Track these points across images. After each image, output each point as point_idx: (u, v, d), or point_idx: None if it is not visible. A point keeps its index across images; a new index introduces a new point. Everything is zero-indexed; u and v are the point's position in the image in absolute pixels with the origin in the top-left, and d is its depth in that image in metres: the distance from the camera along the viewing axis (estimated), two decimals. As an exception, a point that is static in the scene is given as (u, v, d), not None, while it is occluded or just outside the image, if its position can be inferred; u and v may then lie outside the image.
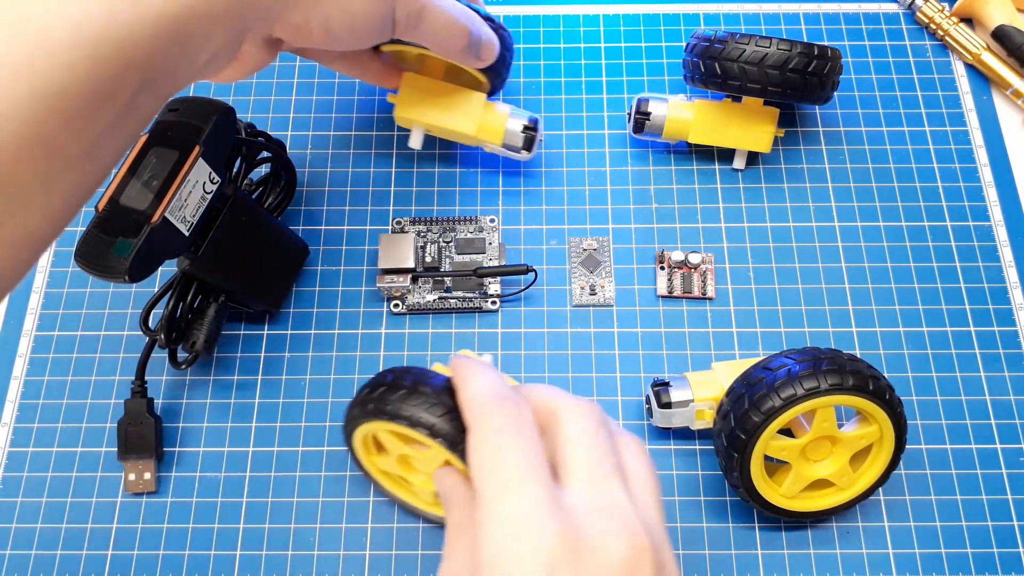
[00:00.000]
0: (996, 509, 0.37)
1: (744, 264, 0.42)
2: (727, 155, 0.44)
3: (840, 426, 0.34)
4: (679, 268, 0.42)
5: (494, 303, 0.41)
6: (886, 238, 0.43)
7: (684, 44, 0.48)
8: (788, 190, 0.44)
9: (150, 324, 0.37)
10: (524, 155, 0.41)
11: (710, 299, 0.41)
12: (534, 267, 0.41)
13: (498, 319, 0.41)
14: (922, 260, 0.42)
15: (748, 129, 0.42)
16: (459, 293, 0.41)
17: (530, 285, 0.41)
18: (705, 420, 0.36)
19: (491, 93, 0.41)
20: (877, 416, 0.32)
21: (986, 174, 0.44)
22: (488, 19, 0.37)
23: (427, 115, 0.40)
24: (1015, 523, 0.37)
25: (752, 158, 0.44)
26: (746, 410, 0.32)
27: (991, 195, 0.44)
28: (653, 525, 0.24)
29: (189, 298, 0.37)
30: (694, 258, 0.42)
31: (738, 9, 0.49)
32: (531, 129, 0.40)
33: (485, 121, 0.40)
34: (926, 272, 0.42)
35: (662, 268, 0.42)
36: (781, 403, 0.31)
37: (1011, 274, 0.42)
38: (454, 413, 0.28)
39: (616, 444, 0.26)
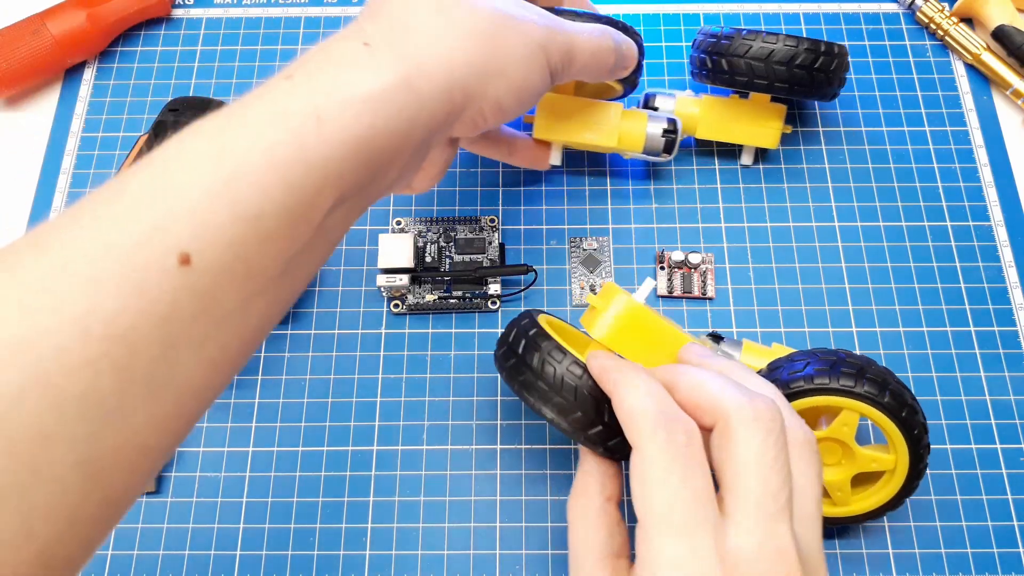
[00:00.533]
0: (996, 509, 0.37)
1: (744, 264, 0.42)
2: (727, 154, 0.44)
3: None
4: (679, 268, 0.42)
5: (494, 303, 0.41)
6: (886, 238, 0.43)
7: (685, 43, 0.48)
8: (788, 190, 0.44)
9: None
10: (665, 157, 0.41)
11: (710, 299, 0.41)
12: (534, 267, 0.41)
13: (498, 319, 0.41)
14: (922, 260, 0.42)
15: (755, 125, 0.42)
16: (459, 293, 0.41)
17: (530, 285, 0.41)
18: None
19: (624, 96, 0.41)
20: (898, 447, 0.32)
21: (986, 174, 0.44)
22: (612, 22, 0.36)
23: (567, 133, 0.39)
24: (1015, 523, 0.37)
25: (753, 157, 0.44)
26: (776, 381, 0.32)
27: (991, 195, 0.44)
28: (811, 550, 0.24)
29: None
30: (694, 258, 0.42)
31: (738, 9, 0.49)
32: (671, 132, 0.40)
33: (625, 131, 0.39)
34: (926, 272, 0.42)
35: (662, 268, 0.42)
36: (812, 387, 0.31)
37: (1011, 274, 0.42)
38: (587, 419, 0.28)
39: (789, 454, 0.25)
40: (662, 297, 0.41)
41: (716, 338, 0.37)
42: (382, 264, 0.40)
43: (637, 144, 0.40)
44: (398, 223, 0.42)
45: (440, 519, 0.37)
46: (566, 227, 0.43)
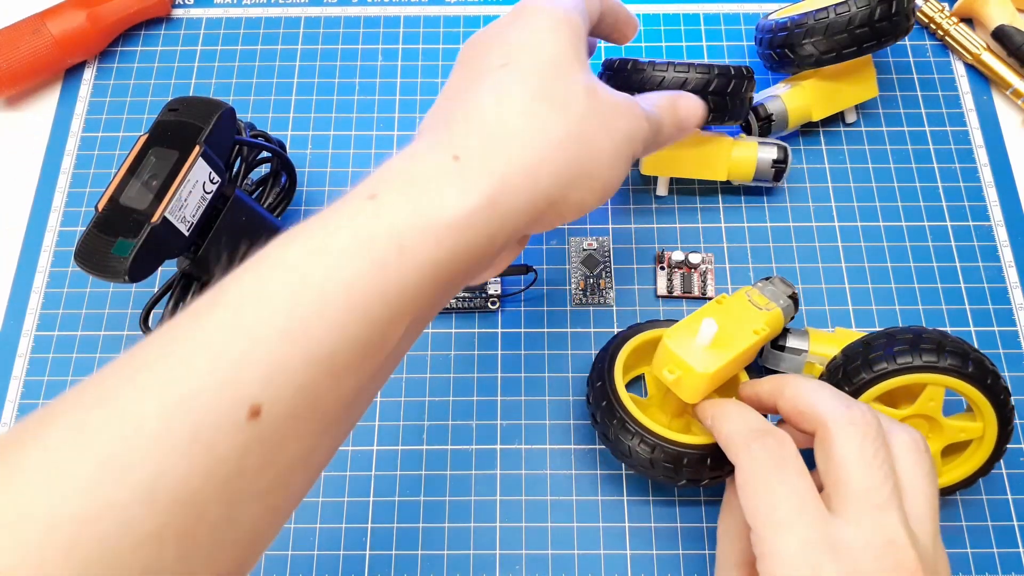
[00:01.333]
0: (996, 509, 0.37)
1: (744, 264, 0.42)
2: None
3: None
4: (679, 268, 0.42)
5: (494, 303, 0.41)
6: (886, 238, 0.43)
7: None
8: (788, 190, 0.44)
9: (150, 324, 0.37)
10: (774, 184, 0.42)
11: (710, 299, 0.41)
12: (534, 267, 0.41)
13: (498, 319, 0.41)
14: (922, 260, 0.42)
15: (854, 83, 0.43)
16: (459, 293, 0.41)
17: (530, 285, 0.41)
18: (812, 375, 0.36)
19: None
20: (986, 414, 0.32)
21: (986, 174, 0.44)
22: (725, 69, 0.36)
23: (676, 168, 0.40)
24: (1015, 523, 0.37)
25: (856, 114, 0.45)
26: (857, 366, 0.32)
27: (991, 195, 0.44)
28: (927, 547, 0.25)
29: (189, 298, 0.37)
30: (694, 258, 0.42)
31: (738, 9, 0.49)
32: (780, 163, 0.40)
33: (735, 163, 0.40)
34: (926, 272, 0.42)
35: (662, 268, 0.42)
36: (896, 367, 0.32)
37: (1011, 274, 0.42)
38: (696, 478, 0.33)
39: (892, 452, 0.26)
40: (662, 297, 0.41)
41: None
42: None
43: (747, 175, 0.41)
44: (398, 223, 0.42)
45: (440, 519, 0.37)
46: (566, 227, 0.43)
